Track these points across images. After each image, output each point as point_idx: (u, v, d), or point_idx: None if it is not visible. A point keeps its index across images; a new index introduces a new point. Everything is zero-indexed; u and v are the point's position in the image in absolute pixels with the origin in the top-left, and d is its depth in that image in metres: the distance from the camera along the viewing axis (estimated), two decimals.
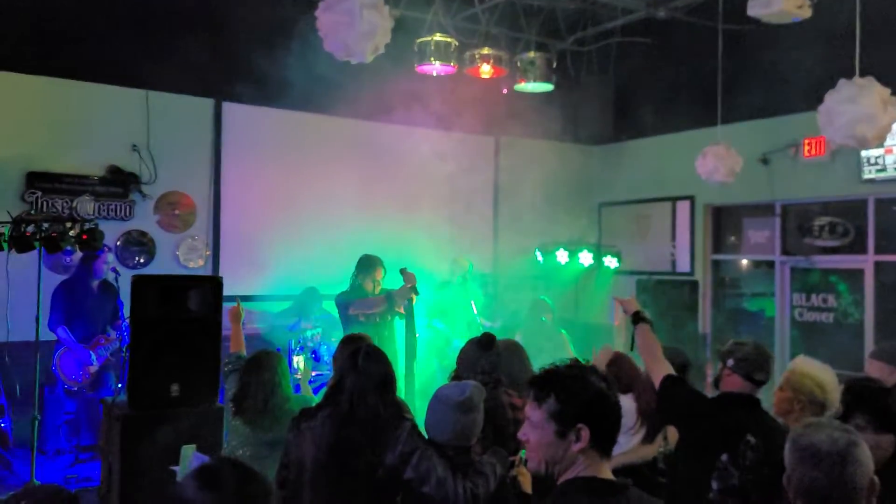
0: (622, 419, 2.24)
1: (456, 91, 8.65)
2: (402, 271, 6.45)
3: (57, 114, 7.47)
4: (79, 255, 6.61)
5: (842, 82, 5.46)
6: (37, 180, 7.30)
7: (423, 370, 7.14)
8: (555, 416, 2.13)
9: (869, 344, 7.67)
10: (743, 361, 3.43)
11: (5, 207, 6.46)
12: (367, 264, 6.57)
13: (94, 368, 6.61)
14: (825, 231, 8.37)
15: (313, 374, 7.25)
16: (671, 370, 3.62)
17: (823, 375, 3.66)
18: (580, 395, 2.13)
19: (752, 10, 6.02)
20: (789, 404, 3.63)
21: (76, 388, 6.61)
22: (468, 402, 3.27)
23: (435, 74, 7.99)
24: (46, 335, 6.21)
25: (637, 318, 3.84)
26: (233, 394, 4.32)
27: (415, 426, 3.37)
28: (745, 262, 9.56)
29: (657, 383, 3.58)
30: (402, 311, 6.45)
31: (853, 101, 5.31)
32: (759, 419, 3.38)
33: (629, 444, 4.33)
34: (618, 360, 4.51)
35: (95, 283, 6.77)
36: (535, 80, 8.47)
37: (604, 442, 2.14)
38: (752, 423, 3.33)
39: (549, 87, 8.59)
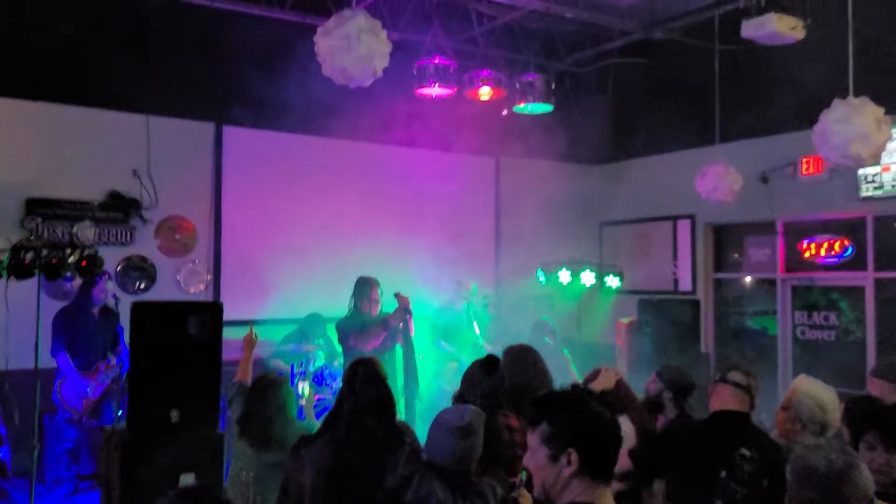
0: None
1: (455, 112, 8.70)
2: (396, 295, 6.45)
3: (56, 139, 7.50)
4: (78, 281, 6.60)
5: (836, 102, 5.50)
6: (36, 206, 7.32)
7: (427, 392, 7.13)
8: (547, 440, 2.14)
9: (871, 361, 7.66)
10: (720, 369, 3.59)
11: (4, 234, 6.49)
12: (362, 286, 6.56)
13: (90, 398, 6.57)
14: (824, 249, 8.37)
15: (317, 398, 7.24)
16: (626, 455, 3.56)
17: (824, 396, 3.69)
18: (571, 419, 2.13)
19: (746, 32, 6.08)
20: (791, 424, 3.68)
21: (77, 417, 6.58)
22: (468, 427, 3.26)
23: (434, 97, 8.04)
24: (46, 363, 6.18)
25: None
26: (238, 416, 4.33)
27: (414, 449, 3.35)
28: (747, 280, 9.55)
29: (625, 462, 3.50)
30: (400, 342, 6.41)
31: (847, 120, 5.34)
32: (749, 432, 3.44)
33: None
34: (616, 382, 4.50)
35: (95, 310, 6.75)
36: (534, 102, 8.52)
37: (598, 467, 2.13)
38: (744, 436, 3.39)
39: (548, 108, 8.63)
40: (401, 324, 6.27)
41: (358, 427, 3.30)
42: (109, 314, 6.78)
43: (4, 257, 5.81)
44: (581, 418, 2.13)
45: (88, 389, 6.55)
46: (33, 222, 7.26)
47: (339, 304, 7.80)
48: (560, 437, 2.12)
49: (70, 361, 6.51)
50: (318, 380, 7.37)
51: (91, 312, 6.72)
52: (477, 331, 8.09)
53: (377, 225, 8.75)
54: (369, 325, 6.27)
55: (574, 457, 2.09)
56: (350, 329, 6.26)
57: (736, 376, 3.50)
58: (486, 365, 4.02)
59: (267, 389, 4.28)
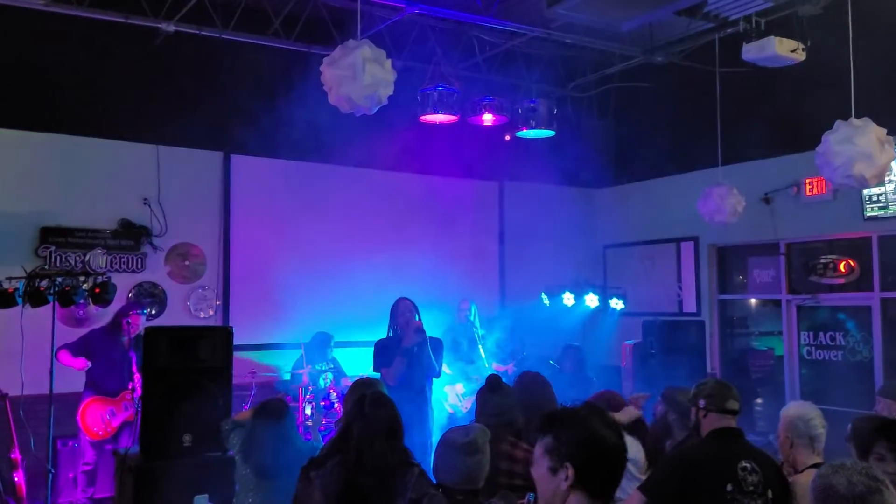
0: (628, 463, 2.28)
1: (459, 137, 8.81)
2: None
3: (69, 170, 7.63)
4: (93, 308, 6.67)
5: (838, 123, 5.54)
6: (50, 235, 7.44)
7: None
8: (549, 453, 2.19)
9: (879, 381, 7.65)
10: (710, 397, 3.62)
11: (19, 262, 6.60)
12: (393, 308, 6.45)
13: (111, 424, 6.64)
14: (830, 269, 8.40)
15: (324, 421, 7.28)
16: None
17: (804, 409, 3.82)
18: (572, 434, 2.17)
19: (747, 55, 6.18)
20: (785, 446, 3.80)
21: (97, 441, 6.63)
22: (472, 444, 3.30)
23: (438, 123, 8.15)
24: (60, 389, 6.26)
25: None
26: (241, 442, 4.36)
27: (423, 472, 3.39)
28: (752, 301, 9.58)
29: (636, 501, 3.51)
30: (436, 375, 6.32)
31: (850, 141, 5.39)
32: (746, 446, 3.55)
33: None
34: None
35: (125, 340, 6.76)
36: (536, 127, 8.62)
37: (594, 485, 2.15)
38: (742, 450, 3.48)
39: (549, 133, 8.74)
40: (416, 347, 6.13)
41: (368, 450, 3.31)
42: (139, 342, 6.80)
43: (20, 284, 5.93)
44: (581, 435, 2.16)
45: (110, 415, 6.64)
46: (47, 250, 7.38)
47: (345, 326, 7.92)
48: (560, 452, 2.17)
49: (72, 358, 6.59)
50: (328, 404, 7.41)
51: (121, 341, 6.77)
52: (482, 353, 8.14)
53: (382, 249, 8.83)
54: (395, 355, 6.04)
55: (570, 472, 2.13)
56: (381, 362, 6.07)
57: (733, 404, 3.61)
58: (490, 384, 4.10)
59: (270, 415, 4.30)
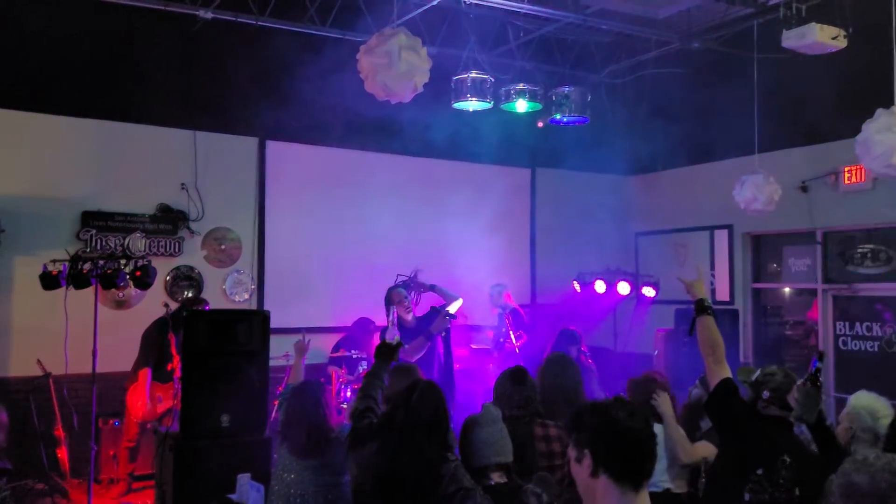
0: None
1: (492, 124, 8.80)
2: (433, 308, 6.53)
3: (110, 155, 7.77)
4: (132, 290, 6.79)
5: (879, 112, 5.47)
6: (91, 219, 7.60)
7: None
8: (574, 445, 2.20)
9: None
10: (777, 391, 3.49)
11: (62, 246, 6.76)
12: (388, 297, 6.67)
13: (156, 410, 6.78)
14: (867, 258, 8.30)
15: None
16: (729, 373, 3.55)
17: (876, 404, 3.78)
18: (588, 422, 2.17)
19: (787, 42, 6.10)
20: (846, 435, 3.75)
21: (143, 421, 6.76)
22: (483, 416, 3.40)
23: (471, 110, 8.14)
24: (103, 368, 6.41)
25: (700, 308, 3.68)
26: (279, 423, 4.46)
27: (459, 466, 3.41)
28: (786, 290, 9.50)
29: (713, 383, 3.53)
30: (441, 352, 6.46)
31: (890, 130, 5.32)
32: (795, 442, 3.48)
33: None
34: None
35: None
36: (569, 114, 8.56)
37: (616, 468, 2.11)
38: (788, 445, 3.41)
39: (583, 120, 8.68)
40: (443, 333, 6.28)
41: (408, 441, 3.34)
42: (178, 324, 6.87)
43: (64, 267, 6.08)
44: (596, 421, 2.16)
45: (157, 401, 6.77)
46: (88, 234, 7.55)
47: (377, 312, 7.96)
48: (581, 440, 2.17)
49: (148, 377, 6.64)
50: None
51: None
52: (513, 340, 8.17)
53: (415, 236, 8.90)
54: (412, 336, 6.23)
55: (588, 459, 2.12)
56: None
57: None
58: (515, 376, 4.11)
59: (304, 398, 4.36)
